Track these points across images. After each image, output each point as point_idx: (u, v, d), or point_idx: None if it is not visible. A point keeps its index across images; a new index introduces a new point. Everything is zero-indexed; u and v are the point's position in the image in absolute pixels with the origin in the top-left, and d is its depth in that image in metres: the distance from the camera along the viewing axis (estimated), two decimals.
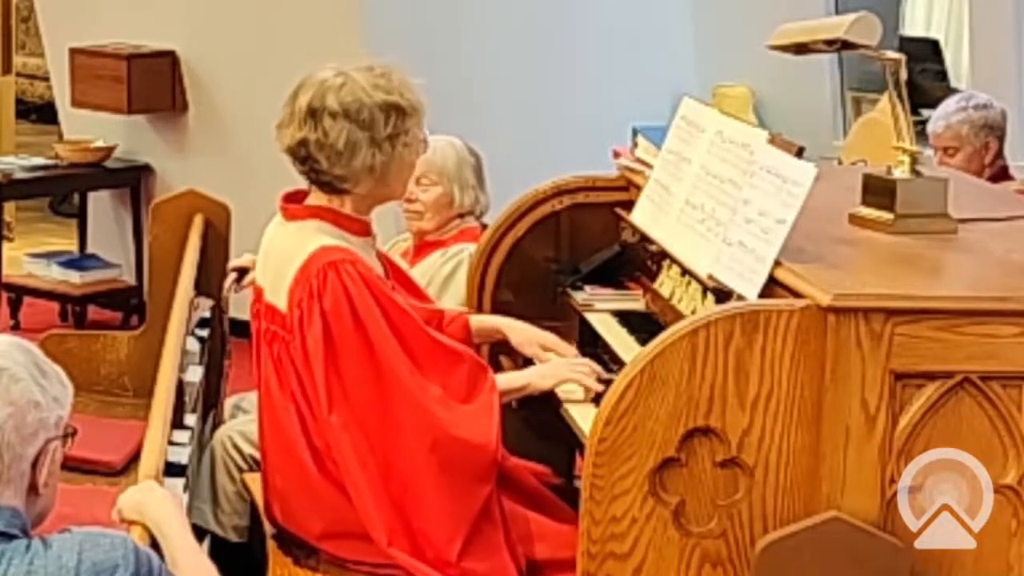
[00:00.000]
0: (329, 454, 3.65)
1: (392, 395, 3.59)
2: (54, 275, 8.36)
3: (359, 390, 3.60)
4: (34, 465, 2.69)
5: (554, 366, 3.92)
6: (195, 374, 4.80)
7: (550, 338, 4.07)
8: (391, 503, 3.60)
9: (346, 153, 3.69)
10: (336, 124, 3.67)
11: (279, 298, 3.72)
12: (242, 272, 4.78)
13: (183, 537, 3.00)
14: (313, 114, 3.69)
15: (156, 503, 3.07)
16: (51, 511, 2.78)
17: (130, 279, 8.45)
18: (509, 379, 3.87)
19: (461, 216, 4.97)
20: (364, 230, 3.82)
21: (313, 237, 3.71)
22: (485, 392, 3.69)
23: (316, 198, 3.80)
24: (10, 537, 2.64)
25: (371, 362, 3.60)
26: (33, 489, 2.70)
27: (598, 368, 3.89)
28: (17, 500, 2.68)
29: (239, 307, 5.00)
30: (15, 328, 8.08)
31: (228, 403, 4.91)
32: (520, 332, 4.11)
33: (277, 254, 3.80)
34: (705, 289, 3.76)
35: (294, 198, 3.86)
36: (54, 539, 2.65)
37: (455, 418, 3.62)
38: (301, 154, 3.73)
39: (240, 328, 5.13)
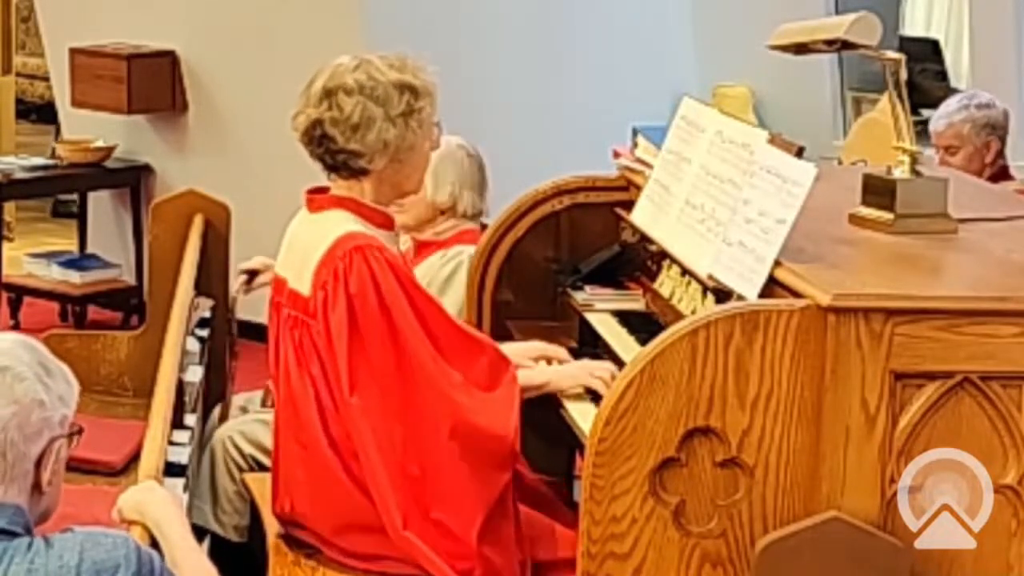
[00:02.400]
0: (345, 442, 3.64)
1: (414, 380, 3.60)
2: (54, 275, 8.35)
3: (381, 373, 3.60)
4: (38, 464, 2.69)
5: (576, 369, 3.91)
6: (195, 374, 4.81)
7: (538, 346, 4.06)
8: (409, 489, 3.60)
9: (362, 126, 3.70)
10: (351, 99, 3.70)
11: (303, 283, 3.72)
12: (252, 274, 4.78)
13: (183, 537, 3.00)
14: (329, 94, 3.72)
15: (156, 503, 3.08)
16: (56, 510, 2.78)
17: (130, 279, 8.44)
18: (529, 375, 3.86)
19: (443, 213, 4.90)
20: (387, 223, 3.82)
21: (339, 224, 3.73)
22: (506, 384, 3.70)
23: (337, 188, 3.82)
24: (12, 535, 2.64)
25: (394, 346, 3.61)
26: (37, 488, 2.71)
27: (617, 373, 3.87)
28: (21, 498, 2.68)
29: (247, 309, 5.00)
30: (15, 328, 8.06)
31: (234, 401, 4.92)
32: (509, 353, 4.10)
33: (302, 243, 3.80)
34: (705, 289, 3.76)
35: (318, 191, 3.87)
36: (56, 538, 2.66)
37: (476, 405, 3.64)
38: (316, 134, 3.74)
39: (246, 330, 5.14)
